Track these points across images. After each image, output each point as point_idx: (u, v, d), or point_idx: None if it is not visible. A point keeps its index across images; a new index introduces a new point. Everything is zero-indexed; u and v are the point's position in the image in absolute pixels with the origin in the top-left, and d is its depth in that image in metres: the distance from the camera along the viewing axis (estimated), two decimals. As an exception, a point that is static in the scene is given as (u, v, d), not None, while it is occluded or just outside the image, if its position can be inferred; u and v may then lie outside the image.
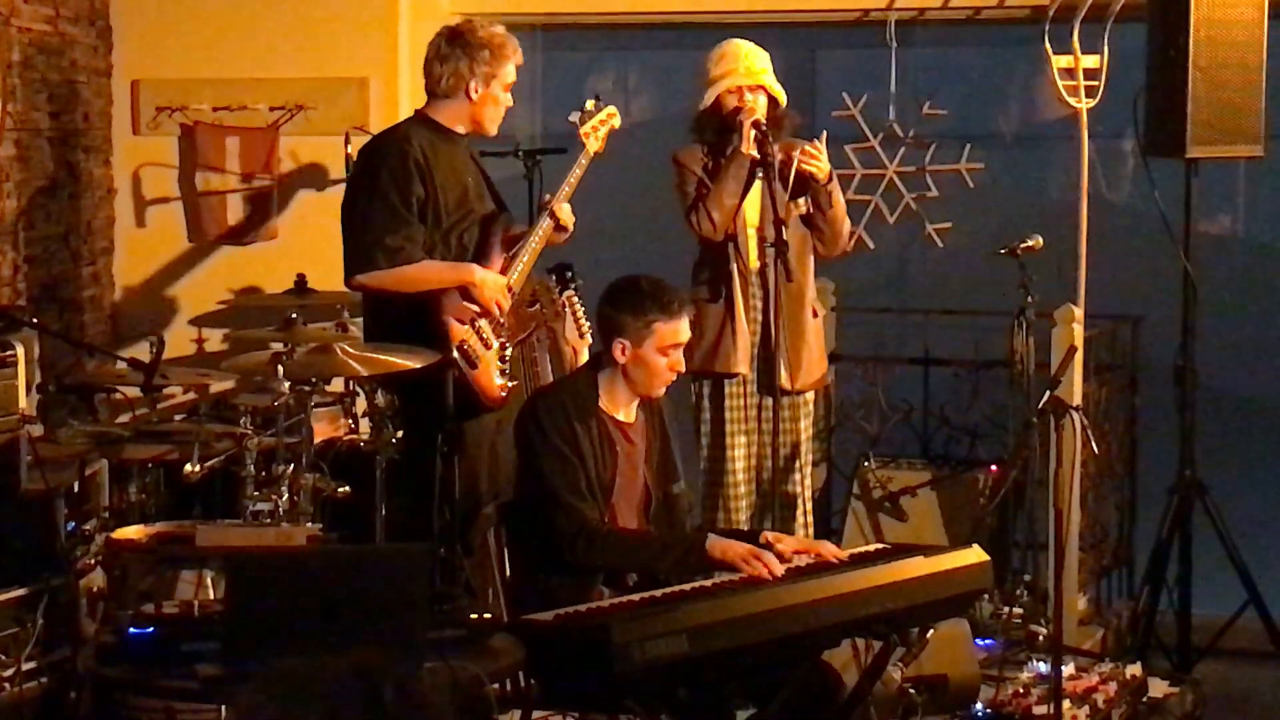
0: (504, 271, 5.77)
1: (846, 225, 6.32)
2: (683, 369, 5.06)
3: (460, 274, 5.70)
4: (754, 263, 6.22)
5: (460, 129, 5.82)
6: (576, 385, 5.06)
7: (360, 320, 6.04)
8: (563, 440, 4.88)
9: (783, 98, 6.23)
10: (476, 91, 5.77)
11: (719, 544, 4.89)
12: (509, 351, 5.74)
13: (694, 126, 6.31)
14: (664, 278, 5.06)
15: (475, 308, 5.68)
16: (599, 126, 6.01)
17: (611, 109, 6.09)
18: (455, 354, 5.57)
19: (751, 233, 6.23)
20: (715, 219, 6.13)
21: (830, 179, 6.16)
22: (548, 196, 5.91)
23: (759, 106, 6.13)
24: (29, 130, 6.94)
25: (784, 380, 6.10)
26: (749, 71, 6.18)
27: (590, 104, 6.06)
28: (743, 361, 6.20)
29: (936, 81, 8.33)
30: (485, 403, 5.68)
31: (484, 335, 5.70)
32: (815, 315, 6.34)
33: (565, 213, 5.86)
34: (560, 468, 4.86)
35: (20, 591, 5.31)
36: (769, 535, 5.03)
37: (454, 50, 5.78)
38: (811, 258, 6.31)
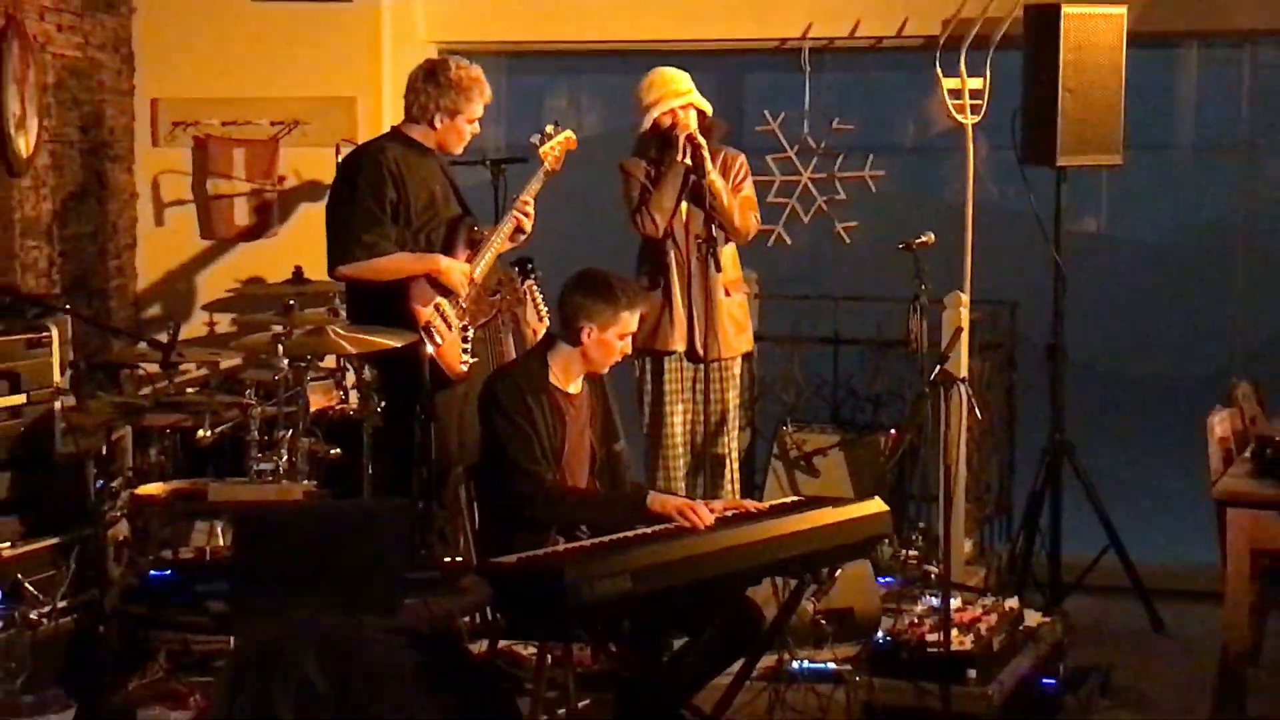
0: (469, 262, 5.75)
1: (737, 213, 6.16)
2: (630, 351, 5.09)
3: (426, 263, 5.67)
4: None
5: (429, 145, 5.79)
6: (529, 365, 5.06)
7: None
8: (519, 414, 4.88)
9: (708, 108, 6.22)
10: (441, 122, 5.73)
11: (658, 498, 4.95)
12: (471, 333, 5.70)
13: (636, 146, 6.29)
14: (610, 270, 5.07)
15: (438, 294, 5.66)
16: (556, 148, 5.96)
17: (569, 133, 6.04)
18: (421, 333, 5.55)
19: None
20: (656, 220, 6.13)
21: (704, 175, 6.05)
22: (515, 196, 5.89)
23: (691, 121, 6.13)
24: (62, 143, 6.88)
25: (712, 351, 6.11)
26: (677, 93, 6.16)
27: (550, 128, 6.00)
28: (679, 340, 6.21)
29: (844, 100, 8.32)
30: (450, 376, 5.65)
31: (446, 317, 5.67)
32: (728, 295, 6.30)
33: (528, 210, 5.81)
34: (518, 438, 4.86)
35: (56, 540, 5.30)
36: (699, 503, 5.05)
37: (426, 85, 5.72)
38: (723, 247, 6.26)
